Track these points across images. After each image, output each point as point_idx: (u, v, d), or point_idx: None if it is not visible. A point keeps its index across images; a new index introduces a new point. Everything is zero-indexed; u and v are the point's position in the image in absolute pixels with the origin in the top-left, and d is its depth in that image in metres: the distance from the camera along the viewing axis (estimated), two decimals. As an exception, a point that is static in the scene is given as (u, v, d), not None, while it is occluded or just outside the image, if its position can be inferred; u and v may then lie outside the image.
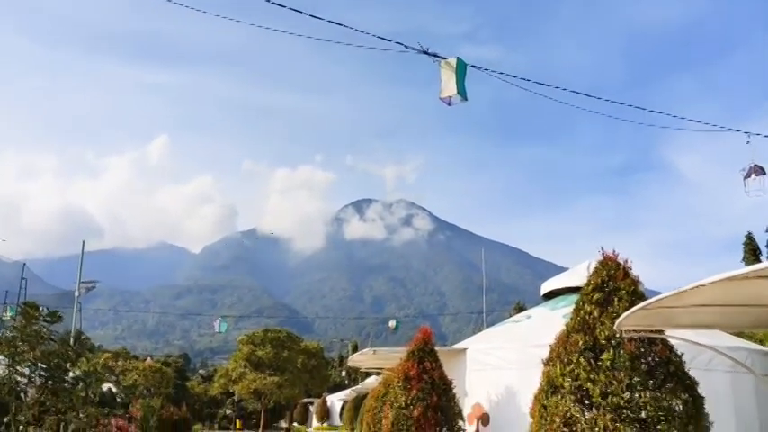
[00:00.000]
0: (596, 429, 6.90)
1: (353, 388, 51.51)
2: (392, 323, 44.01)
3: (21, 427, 8.09)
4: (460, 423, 11.18)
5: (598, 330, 7.48)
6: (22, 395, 8.49)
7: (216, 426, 51.35)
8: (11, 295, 36.30)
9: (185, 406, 31.11)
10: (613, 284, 7.79)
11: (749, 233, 35.89)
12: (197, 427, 48.02)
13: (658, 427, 6.72)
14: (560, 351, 7.76)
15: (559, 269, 15.43)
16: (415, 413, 10.65)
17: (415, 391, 10.88)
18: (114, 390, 38.84)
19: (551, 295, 14.61)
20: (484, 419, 11.84)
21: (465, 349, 12.74)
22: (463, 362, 12.58)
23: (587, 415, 7.09)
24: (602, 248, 8.20)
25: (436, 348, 11.75)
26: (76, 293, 17.68)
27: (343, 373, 78.46)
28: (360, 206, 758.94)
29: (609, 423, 6.84)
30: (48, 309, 8.83)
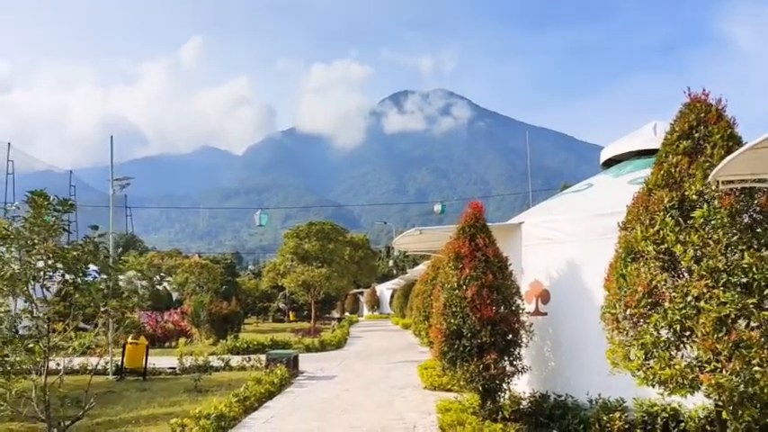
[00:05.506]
0: (688, 298, 5.80)
1: (402, 276, 51.82)
2: (437, 207, 43.20)
3: (41, 323, 7.47)
4: (519, 302, 10.27)
5: (687, 184, 6.22)
6: (43, 290, 7.85)
7: (270, 319, 52.66)
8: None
9: (235, 300, 31.40)
10: (704, 129, 6.44)
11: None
12: (251, 320, 49.36)
13: (766, 291, 5.58)
14: (640, 212, 6.55)
15: (605, 151, 13.92)
16: (469, 293, 9.74)
17: (467, 270, 9.92)
18: (168, 288, 39.73)
19: (611, 163, 13.24)
20: (543, 297, 10.93)
21: (520, 224, 11.65)
22: (518, 238, 11.53)
23: (677, 282, 5.99)
24: (689, 88, 6.80)
25: (488, 225, 10.68)
26: (110, 192, 17.10)
27: (391, 263, 79.41)
28: (398, 98, 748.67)
29: (704, 290, 5.72)
30: (58, 197, 8.00)
